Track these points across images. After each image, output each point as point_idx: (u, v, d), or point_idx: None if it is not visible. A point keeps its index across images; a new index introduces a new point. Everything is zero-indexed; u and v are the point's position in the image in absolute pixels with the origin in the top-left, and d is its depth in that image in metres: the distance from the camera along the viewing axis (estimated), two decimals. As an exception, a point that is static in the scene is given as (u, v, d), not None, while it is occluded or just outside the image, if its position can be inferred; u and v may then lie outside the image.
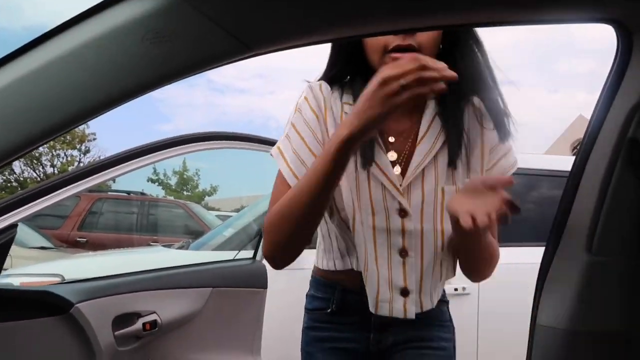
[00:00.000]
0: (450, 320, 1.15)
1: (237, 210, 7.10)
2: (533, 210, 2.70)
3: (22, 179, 18.00)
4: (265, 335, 1.70)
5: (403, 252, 1.00)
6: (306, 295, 1.19)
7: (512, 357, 0.86)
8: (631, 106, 0.75)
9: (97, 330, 1.27)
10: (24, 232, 5.74)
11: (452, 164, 1.00)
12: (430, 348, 1.09)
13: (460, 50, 0.99)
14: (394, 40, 0.93)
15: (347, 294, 1.08)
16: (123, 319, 1.35)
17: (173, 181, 22.49)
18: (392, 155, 1.00)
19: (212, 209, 14.43)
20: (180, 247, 3.04)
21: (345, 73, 1.04)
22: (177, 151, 1.47)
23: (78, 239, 7.13)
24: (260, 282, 1.68)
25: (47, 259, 4.03)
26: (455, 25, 0.92)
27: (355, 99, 0.99)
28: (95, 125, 19.55)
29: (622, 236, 0.75)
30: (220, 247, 2.64)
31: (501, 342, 2.00)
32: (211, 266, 1.67)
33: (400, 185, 0.98)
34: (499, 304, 2.33)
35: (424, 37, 0.95)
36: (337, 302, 1.09)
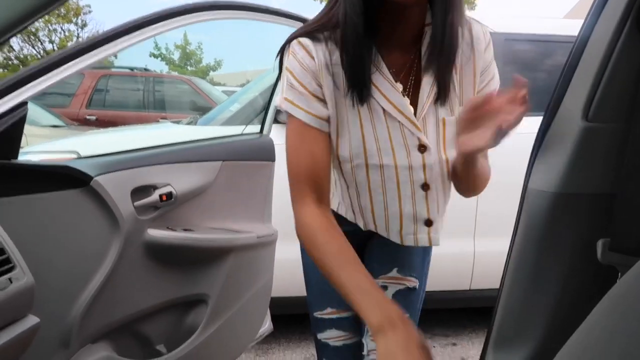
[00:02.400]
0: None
1: (243, 85, 6.99)
2: (545, 79, 2.64)
3: (22, 56, 17.63)
4: (274, 204, 1.80)
5: (425, 187, 1.01)
6: None
7: (508, 225, 0.91)
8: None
9: (118, 200, 1.35)
10: (35, 111, 5.78)
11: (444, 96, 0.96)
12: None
13: None
14: None
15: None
16: (140, 191, 1.43)
17: (176, 56, 21.94)
18: (400, 85, 0.96)
19: (218, 84, 14.24)
20: (189, 123, 3.08)
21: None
22: (179, 22, 1.42)
23: (87, 117, 7.20)
24: (268, 155, 1.73)
25: (60, 137, 4.13)
26: None
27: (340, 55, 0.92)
28: (89, -2, 18.56)
29: (620, 102, 0.76)
30: (228, 122, 2.67)
31: (499, 211, 2.09)
32: (220, 140, 1.71)
33: (415, 116, 0.95)
34: (503, 174, 2.39)
35: None
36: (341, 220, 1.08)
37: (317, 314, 1.31)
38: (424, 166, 0.99)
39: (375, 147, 0.97)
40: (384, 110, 0.95)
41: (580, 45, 0.81)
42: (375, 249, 1.24)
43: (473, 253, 2.56)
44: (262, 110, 2.06)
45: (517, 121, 0.78)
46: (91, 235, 1.35)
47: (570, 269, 0.83)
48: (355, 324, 1.30)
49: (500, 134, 0.78)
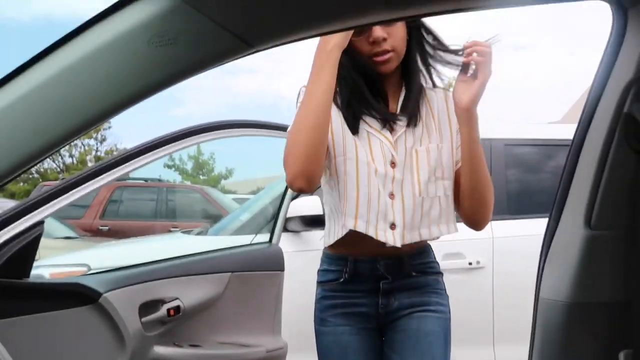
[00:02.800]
0: (445, 290, 1.35)
1: (254, 192, 7.18)
2: (549, 180, 2.69)
3: (42, 170, 18.35)
4: (284, 315, 1.76)
5: (391, 195, 1.24)
6: (317, 271, 1.35)
7: (528, 329, 0.90)
8: (627, 81, 0.77)
9: (125, 317, 1.34)
10: (49, 224, 5.85)
11: (415, 125, 1.28)
12: (430, 311, 1.29)
13: (417, 44, 1.28)
14: (372, 48, 1.22)
15: (357, 263, 1.28)
16: (148, 306, 1.42)
17: (189, 166, 22.69)
18: (390, 125, 1.27)
19: (229, 191, 14.57)
20: (199, 233, 3.11)
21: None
22: (192, 141, 1.51)
23: (100, 227, 7.30)
24: (277, 265, 1.73)
25: (72, 249, 4.16)
26: (450, 10, 0.95)
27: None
28: (110, 119, 19.71)
29: (620, 210, 0.77)
30: (238, 232, 2.70)
31: (517, 315, 2.03)
32: (229, 252, 1.72)
33: (392, 142, 1.25)
34: (514, 277, 2.35)
35: (397, 40, 1.23)
36: (350, 271, 1.28)
37: None
38: (393, 178, 1.24)
39: (365, 158, 1.24)
40: (368, 132, 1.25)
41: (574, 153, 0.85)
42: (395, 338, 1.29)
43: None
44: (272, 219, 2.09)
45: (485, 60, 1.15)
46: (97, 354, 1.32)
47: (595, 382, 0.79)
48: None
49: (477, 78, 1.16)
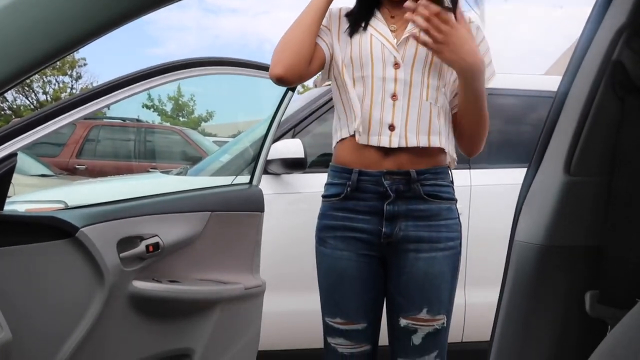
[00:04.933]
0: (457, 218, 1.29)
1: (234, 136, 7.09)
2: (530, 132, 2.72)
3: (15, 106, 17.78)
4: (263, 257, 1.78)
5: (393, 97, 1.23)
6: (324, 185, 1.34)
7: (499, 275, 0.92)
8: (617, 28, 0.76)
9: (103, 252, 1.33)
10: (24, 161, 5.77)
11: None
12: (438, 249, 1.24)
13: None
14: None
15: (361, 176, 1.25)
16: (127, 242, 1.41)
17: (168, 107, 22.24)
18: (393, 26, 1.28)
19: (209, 134, 14.38)
20: (179, 174, 3.08)
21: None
22: (171, 77, 1.46)
23: (77, 166, 7.19)
24: (257, 206, 1.73)
25: (48, 186, 4.10)
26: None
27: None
28: (85, 51, 19.01)
29: (599, 156, 0.78)
30: (218, 173, 2.68)
31: (489, 261, 2.09)
32: (209, 191, 1.71)
33: (396, 44, 1.25)
34: (490, 224, 2.41)
35: None
36: (352, 184, 1.25)
37: (328, 320, 1.32)
38: (395, 79, 1.23)
39: (361, 61, 1.25)
40: (371, 35, 1.26)
41: (559, 101, 0.85)
42: (401, 280, 1.26)
43: (464, 305, 2.53)
44: (253, 161, 2.08)
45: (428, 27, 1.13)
46: (75, 288, 1.32)
47: (560, 322, 0.83)
48: (366, 335, 1.29)
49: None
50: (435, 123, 1.25)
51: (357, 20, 1.30)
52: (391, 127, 1.22)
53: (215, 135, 13.83)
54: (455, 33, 1.17)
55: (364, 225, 1.25)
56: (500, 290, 0.91)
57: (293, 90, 1.73)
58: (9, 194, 1.20)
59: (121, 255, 1.39)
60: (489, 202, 2.49)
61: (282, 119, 1.87)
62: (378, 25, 1.29)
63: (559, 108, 0.84)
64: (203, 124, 22.38)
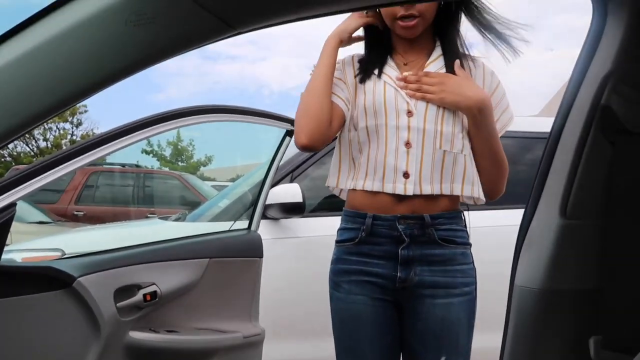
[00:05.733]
0: (472, 263, 1.28)
1: (233, 180, 7.13)
2: (526, 172, 2.74)
3: (15, 153, 17.90)
4: (262, 301, 1.76)
5: (407, 144, 1.24)
6: (337, 230, 1.33)
7: (502, 318, 0.91)
8: (604, 74, 0.78)
9: (100, 302, 1.32)
10: (22, 208, 5.76)
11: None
12: (454, 295, 1.23)
13: (449, 16, 1.29)
14: (399, 11, 1.23)
15: (376, 220, 1.24)
16: (124, 291, 1.40)
17: (167, 152, 22.40)
18: (405, 73, 1.29)
19: (208, 179, 14.45)
20: (177, 219, 3.08)
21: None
22: (171, 125, 1.48)
23: (75, 213, 7.18)
24: (256, 252, 1.72)
25: (46, 234, 4.08)
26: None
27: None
28: (85, 99, 19.27)
29: (594, 199, 0.79)
30: (216, 218, 2.68)
31: (491, 303, 2.06)
32: (208, 237, 1.71)
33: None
34: (490, 266, 2.39)
35: (424, 6, 1.23)
36: (367, 228, 1.24)
37: None
38: (408, 127, 1.24)
39: (374, 109, 1.26)
40: (385, 83, 1.28)
41: (552, 144, 0.86)
42: (417, 326, 1.24)
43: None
44: (251, 206, 2.08)
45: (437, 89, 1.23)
46: (71, 339, 1.30)
47: (565, 368, 0.81)
48: None
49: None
50: (448, 171, 1.24)
51: (370, 67, 1.31)
52: (405, 175, 1.23)
53: (214, 180, 13.89)
54: (448, 79, 1.23)
55: (379, 270, 1.24)
56: (503, 335, 0.89)
57: (290, 135, 1.76)
58: (7, 243, 1.20)
59: (118, 305, 1.37)
60: (489, 245, 2.48)
61: (280, 163, 1.88)
62: (391, 72, 1.30)
63: (552, 150, 0.86)
64: (202, 168, 22.50)
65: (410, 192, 1.21)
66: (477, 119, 1.23)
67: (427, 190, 1.23)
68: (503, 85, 1.34)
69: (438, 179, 1.24)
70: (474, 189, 1.27)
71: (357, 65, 1.35)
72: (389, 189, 1.23)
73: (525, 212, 0.88)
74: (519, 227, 0.90)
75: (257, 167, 3.04)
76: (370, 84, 1.29)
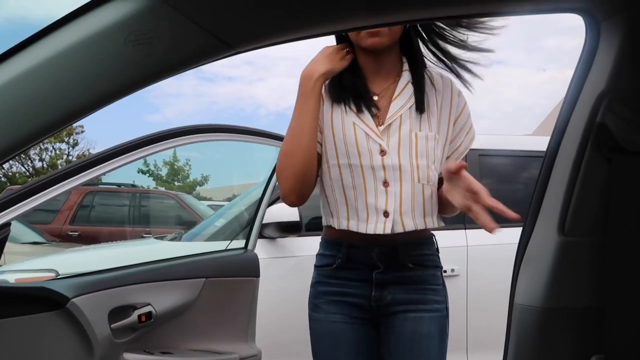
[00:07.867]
0: (443, 284, 1.32)
1: (229, 200, 7.11)
2: (523, 191, 2.74)
3: (10, 174, 17.84)
4: (258, 322, 1.74)
5: (385, 183, 1.24)
6: (316, 255, 1.36)
7: (501, 337, 0.91)
8: (599, 92, 0.79)
9: (94, 323, 1.30)
10: (16, 228, 5.69)
11: (422, 112, 1.27)
12: (425, 311, 1.27)
13: (416, 30, 1.28)
14: None
15: (351, 249, 1.27)
16: (119, 312, 1.38)
17: (164, 172, 22.37)
18: (375, 110, 1.27)
19: (204, 198, 14.41)
20: (173, 239, 3.06)
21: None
22: (167, 144, 1.49)
23: (70, 233, 7.12)
24: (252, 271, 1.71)
25: (40, 254, 4.04)
26: (428, 18, 0.96)
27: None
28: (83, 118, 19.30)
29: (592, 217, 0.79)
30: (213, 238, 2.67)
31: (490, 322, 2.05)
32: (204, 257, 1.70)
33: (380, 131, 1.25)
34: (488, 285, 2.38)
35: None
36: (343, 256, 1.28)
37: None
38: (383, 166, 1.23)
39: (346, 150, 1.25)
40: (354, 124, 1.26)
41: (549, 162, 0.86)
42: (391, 340, 1.27)
43: (467, 370, 2.44)
44: (248, 225, 2.07)
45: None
46: (63, 362, 1.28)
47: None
48: None
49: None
50: (428, 204, 1.27)
51: (343, 95, 1.28)
52: (385, 214, 1.23)
53: (210, 199, 13.85)
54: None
55: (356, 290, 1.28)
56: (504, 354, 0.88)
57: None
58: (0, 263, 1.18)
59: (112, 326, 1.35)
60: (487, 263, 2.47)
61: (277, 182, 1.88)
62: (364, 115, 1.26)
63: (549, 168, 0.86)
64: (198, 187, 22.47)
65: (388, 231, 1.23)
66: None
67: (410, 226, 1.25)
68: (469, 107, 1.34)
69: (420, 213, 1.26)
70: (439, 221, 1.32)
71: (325, 87, 1.30)
72: (370, 229, 1.24)
73: (523, 229, 0.88)
74: (517, 244, 0.90)
75: (254, 186, 3.04)
76: (338, 118, 1.27)
